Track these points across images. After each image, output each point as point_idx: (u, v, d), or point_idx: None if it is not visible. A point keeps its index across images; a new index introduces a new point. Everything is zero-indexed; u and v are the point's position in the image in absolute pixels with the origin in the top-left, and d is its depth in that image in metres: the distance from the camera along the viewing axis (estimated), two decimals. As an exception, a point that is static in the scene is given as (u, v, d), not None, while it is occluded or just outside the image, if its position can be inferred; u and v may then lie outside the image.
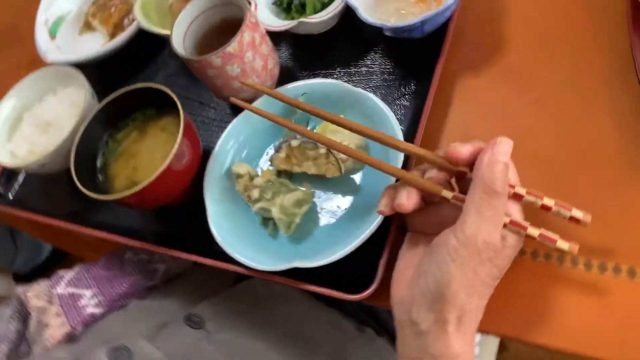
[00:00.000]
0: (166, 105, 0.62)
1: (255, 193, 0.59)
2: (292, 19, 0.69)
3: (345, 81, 0.67)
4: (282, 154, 0.60)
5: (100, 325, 0.70)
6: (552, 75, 0.60)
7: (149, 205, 0.64)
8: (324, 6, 0.69)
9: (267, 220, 0.61)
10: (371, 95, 0.60)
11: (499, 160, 0.44)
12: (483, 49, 0.64)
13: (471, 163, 0.47)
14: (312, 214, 0.60)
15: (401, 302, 0.48)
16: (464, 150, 0.47)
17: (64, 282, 0.75)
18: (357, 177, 0.60)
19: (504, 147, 0.45)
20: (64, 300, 0.73)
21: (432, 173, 0.49)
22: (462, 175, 0.49)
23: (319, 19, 0.66)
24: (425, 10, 0.64)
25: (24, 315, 0.71)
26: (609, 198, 0.52)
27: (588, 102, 0.57)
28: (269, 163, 0.62)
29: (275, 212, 0.57)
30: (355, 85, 0.64)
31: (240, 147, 0.65)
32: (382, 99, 0.63)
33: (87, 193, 0.59)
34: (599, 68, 0.58)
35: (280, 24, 0.68)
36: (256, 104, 0.63)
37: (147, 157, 0.64)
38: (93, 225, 0.72)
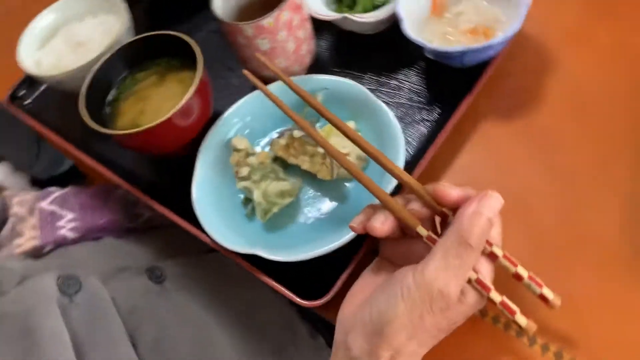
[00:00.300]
0: (191, 59, 0.62)
1: (244, 171, 0.58)
2: (341, 12, 0.68)
3: (372, 89, 0.65)
4: (283, 141, 0.59)
5: (66, 250, 0.71)
6: (577, 148, 0.57)
7: (143, 151, 0.64)
8: (376, 8, 0.67)
9: (248, 201, 0.60)
10: (389, 111, 0.58)
11: (483, 214, 0.42)
12: (516, 98, 0.62)
13: (456, 207, 0.45)
14: (292, 209, 0.59)
15: (344, 323, 0.47)
16: (453, 192, 0.45)
17: (50, 199, 0.76)
18: (348, 186, 0.59)
19: (493, 202, 0.43)
20: (44, 215, 0.74)
21: (415, 206, 0.47)
22: (444, 217, 0.47)
23: (365, 19, 0.64)
24: (471, 42, 0.61)
25: (1, 218, 0.72)
26: (587, 290, 0.50)
27: (605, 190, 0.54)
28: (269, 146, 0.61)
29: (256, 195, 0.56)
30: (378, 96, 0.62)
31: (246, 123, 0.64)
32: (400, 118, 0.62)
33: (86, 119, 0.59)
34: (628, 158, 0.55)
35: (327, 13, 0.66)
36: (271, 86, 0.62)
37: (157, 104, 0.64)
38: (91, 153, 0.72)
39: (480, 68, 0.61)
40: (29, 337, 0.49)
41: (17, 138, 0.88)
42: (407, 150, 0.60)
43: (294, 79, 0.63)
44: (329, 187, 0.59)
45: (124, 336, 0.56)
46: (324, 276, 0.54)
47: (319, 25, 0.67)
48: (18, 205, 0.72)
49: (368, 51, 0.70)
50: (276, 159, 0.61)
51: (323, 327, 0.74)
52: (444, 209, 0.46)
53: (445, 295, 0.41)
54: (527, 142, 0.59)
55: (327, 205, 0.58)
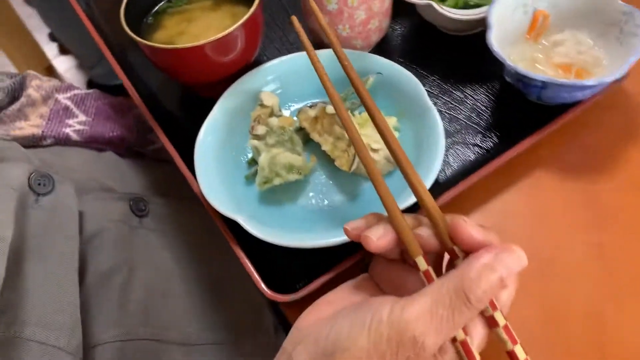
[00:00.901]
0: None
1: (261, 129, 0.51)
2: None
3: (431, 93, 0.58)
4: (312, 113, 0.52)
5: (62, 150, 0.66)
6: (635, 234, 0.48)
7: (169, 74, 0.58)
8: (467, 8, 0.59)
9: (253, 163, 0.53)
10: (440, 121, 0.50)
11: (497, 270, 0.34)
12: (586, 156, 0.53)
13: (470, 250, 0.37)
14: (295, 188, 0.52)
15: (298, 331, 0.40)
16: (472, 232, 0.37)
17: (69, 94, 0.72)
18: (364, 186, 0.51)
19: (513, 260, 0.35)
20: (56, 108, 0.70)
21: (425, 232, 0.39)
22: (453, 256, 0.39)
23: (450, 14, 0.56)
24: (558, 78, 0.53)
25: (14, 94, 0.68)
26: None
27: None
28: (297, 114, 0.54)
29: (262, 159, 0.50)
30: (435, 102, 0.55)
31: (283, 82, 0.58)
32: (449, 134, 0.54)
33: (121, 18, 0.54)
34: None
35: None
36: (322, 52, 0.55)
37: (199, 30, 0.58)
38: (123, 62, 0.67)
39: (558, 109, 0.53)
40: None
41: (85, 37, 0.82)
42: (442, 170, 0.52)
43: (349, 52, 0.56)
44: (343, 179, 0.52)
45: (72, 258, 0.51)
46: (302, 272, 0.48)
47: (400, 6, 0.60)
48: (34, 89, 0.68)
49: (443, 51, 0.62)
50: (300, 130, 0.54)
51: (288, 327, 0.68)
52: (456, 248, 0.38)
53: (419, 346, 0.34)
54: (580, 208, 0.50)
55: (334, 197, 0.51)
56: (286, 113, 0.57)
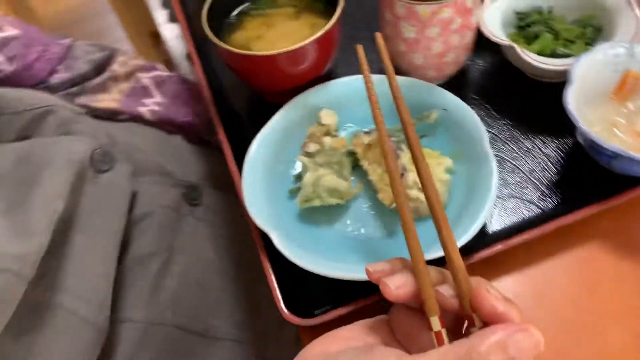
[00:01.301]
0: (333, 9, 0.55)
1: (312, 147, 0.51)
2: (514, 41, 0.57)
3: (494, 137, 0.55)
4: (365, 140, 0.51)
5: (134, 126, 0.69)
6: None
7: (240, 76, 0.59)
8: (554, 56, 0.55)
9: (299, 178, 0.53)
10: (495, 173, 0.47)
11: (508, 350, 0.32)
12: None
13: (489, 321, 0.35)
14: (335, 212, 0.51)
15: (302, 359, 0.39)
16: (495, 304, 0.35)
17: (151, 74, 0.75)
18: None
19: (528, 343, 0.33)
20: (136, 86, 0.73)
21: (447, 291, 0.38)
22: (470, 323, 0.37)
23: (532, 60, 0.53)
24: (636, 148, 0.48)
25: (100, 68, 0.72)
26: None
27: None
28: (352, 137, 0.54)
29: (307, 178, 0.50)
30: (498, 149, 0.53)
31: (348, 102, 0.57)
32: (506, 184, 0.52)
33: (203, 16, 0.55)
34: None
35: (497, 35, 0.56)
36: (376, 77, 0.53)
37: (276, 36, 0.58)
38: (201, 53, 0.69)
39: (629, 180, 0.49)
40: (27, 186, 0.48)
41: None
42: (489, 221, 0.50)
43: (417, 82, 0.55)
44: (384, 212, 0.51)
45: (117, 236, 0.53)
46: (324, 298, 0.47)
47: (485, 43, 0.57)
48: (119, 65, 0.72)
49: (521, 95, 0.58)
50: (351, 154, 0.53)
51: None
52: (474, 315, 0.36)
53: None
54: (634, 293, 0.46)
55: (372, 228, 0.50)
56: (343, 133, 0.56)
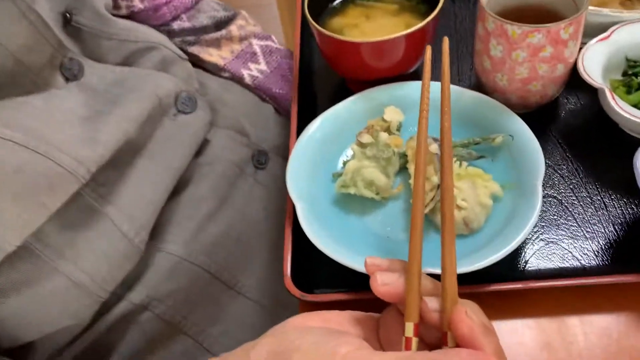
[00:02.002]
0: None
1: (366, 138, 0.52)
2: (612, 86, 0.53)
3: (563, 181, 0.52)
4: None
5: (232, 84, 0.74)
6: None
7: (328, 60, 0.61)
8: (650, 111, 0.51)
9: (345, 164, 0.54)
10: (539, 206, 0.45)
11: None
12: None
13: (460, 344, 0.35)
14: (369, 206, 0.52)
15: (282, 326, 0.41)
16: (470, 328, 0.34)
17: (263, 42, 0.79)
18: (431, 235, 0.49)
19: None
20: (247, 50, 0.78)
21: (431, 304, 0.37)
22: (444, 340, 0.36)
23: (617, 107, 0.49)
24: None
25: (220, 25, 0.77)
26: None
27: None
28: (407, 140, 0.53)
29: (350, 165, 0.51)
30: (559, 189, 0.50)
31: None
32: (553, 223, 0.49)
33: (304, 2, 0.58)
34: None
35: (590, 76, 0.52)
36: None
37: (371, 29, 0.60)
38: (305, 29, 0.72)
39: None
40: (112, 104, 0.54)
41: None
42: (517, 258, 0.48)
43: (490, 100, 0.54)
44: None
45: (177, 172, 0.58)
46: (328, 281, 0.49)
47: (582, 83, 0.54)
48: (237, 28, 0.77)
49: (603, 146, 0.55)
50: (403, 157, 0.53)
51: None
52: (449, 334, 0.35)
53: None
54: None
55: (399, 232, 0.50)
56: (405, 136, 0.56)
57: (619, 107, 0.49)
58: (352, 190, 0.50)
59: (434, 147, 0.49)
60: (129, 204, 0.54)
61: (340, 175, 0.53)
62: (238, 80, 0.76)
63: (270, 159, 0.70)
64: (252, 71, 0.77)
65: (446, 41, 0.47)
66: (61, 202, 0.48)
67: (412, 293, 0.37)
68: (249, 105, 0.75)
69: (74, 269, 0.50)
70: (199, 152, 0.63)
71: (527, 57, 0.50)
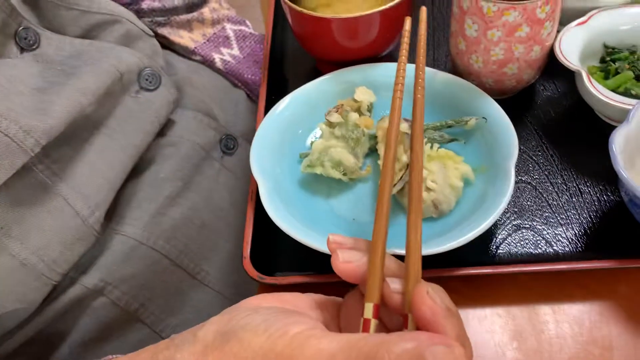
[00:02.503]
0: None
1: (335, 117, 0.50)
2: (589, 72, 0.51)
3: (537, 166, 0.50)
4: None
5: (203, 68, 0.71)
6: None
7: (299, 39, 0.59)
8: (630, 96, 0.49)
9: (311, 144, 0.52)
10: (510, 191, 0.43)
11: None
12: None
13: (420, 327, 0.32)
14: (335, 186, 0.49)
15: (235, 307, 0.38)
16: (432, 308, 0.32)
17: (237, 27, 0.77)
18: (399, 219, 0.47)
19: (445, 357, 0.29)
20: (219, 34, 0.75)
21: (394, 285, 0.34)
22: (404, 324, 0.34)
23: (592, 89, 0.48)
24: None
25: (192, 7, 0.75)
26: None
27: None
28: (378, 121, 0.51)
29: (317, 144, 0.48)
30: (532, 176, 0.48)
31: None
32: (525, 209, 0.47)
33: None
34: None
35: (571, 58, 0.51)
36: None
37: (343, 8, 0.58)
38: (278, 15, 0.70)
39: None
40: (67, 76, 0.51)
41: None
42: (490, 243, 0.46)
43: (465, 83, 0.52)
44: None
45: (136, 151, 0.55)
46: (291, 264, 0.46)
47: (559, 69, 0.53)
48: (210, 11, 0.75)
49: (580, 133, 0.53)
50: (373, 139, 0.51)
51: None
52: (410, 316, 0.33)
53: None
54: None
55: (365, 214, 0.48)
56: (376, 118, 0.54)
57: (596, 90, 0.48)
58: (318, 171, 0.48)
59: (405, 126, 0.47)
60: (84, 181, 0.51)
61: (307, 155, 0.51)
62: (209, 64, 0.73)
63: (240, 145, 0.68)
64: (224, 55, 0.74)
65: (424, 10, 0.45)
66: (6, 176, 0.45)
67: (374, 273, 0.34)
68: (219, 89, 0.72)
69: (21, 248, 0.47)
70: (162, 133, 0.60)
71: (503, 36, 0.49)
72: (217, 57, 0.73)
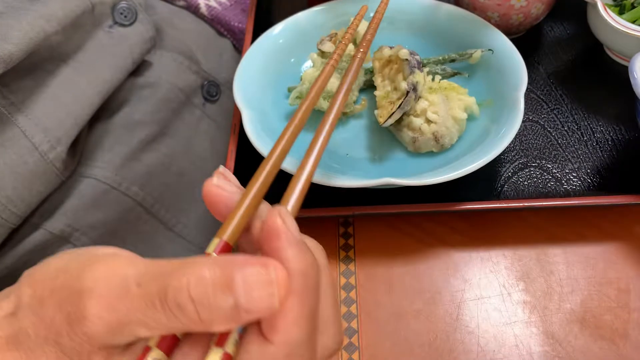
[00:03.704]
0: None
1: (328, 46, 0.45)
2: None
3: (547, 106, 0.47)
4: (387, 53, 0.44)
5: (187, 14, 0.67)
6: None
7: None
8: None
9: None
10: (519, 121, 0.39)
11: (231, 292, 0.21)
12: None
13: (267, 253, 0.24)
14: (344, 132, 0.45)
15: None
16: (277, 232, 0.23)
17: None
18: (395, 153, 0.43)
19: (257, 278, 0.21)
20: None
21: (257, 224, 0.26)
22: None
23: (610, 20, 0.44)
24: None
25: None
26: None
27: None
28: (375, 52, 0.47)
29: (307, 73, 0.44)
30: (540, 115, 0.44)
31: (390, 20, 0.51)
32: (534, 147, 0.43)
33: None
34: None
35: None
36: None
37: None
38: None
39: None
40: (31, 2, 0.46)
41: None
42: (498, 179, 0.42)
43: (469, 15, 0.48)
44: (376, 133, 0.44)
45: (105, 86, 0.50)
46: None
47: (570, 5, 0.49)
48: None
49: (589, 72, 0.49)
50: (369, 73, 0.47)
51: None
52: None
53: (81, 305, 0.22)
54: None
55: (359, 150, 0.44)
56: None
57: (613, 19, 0.44)
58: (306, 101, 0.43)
59: (404, 52, 0.42)
60: (45, 114, 0.46)
61: (296, 88, 0.46)
62: (193, 10, 0.68)
63: (223, 93, 0.63)
64: (210, 1, 0.70)
65: None
66: None
67: (239, 207, 0.25)
68: (202, 36, 0.67)
69: None
70: (139, 73, 0.55)
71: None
72: (202, 3, 0.69)
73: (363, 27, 0.48)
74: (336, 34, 0.47)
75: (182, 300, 0.21)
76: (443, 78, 0.46)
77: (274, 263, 0.22)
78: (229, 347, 0.22)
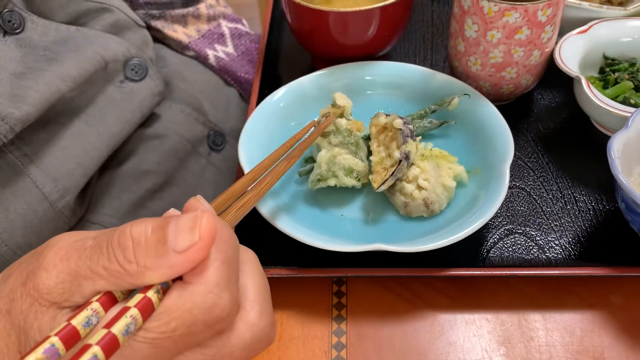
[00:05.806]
0: None
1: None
2: (589, 81, 0.51)
3: (533, 173, 0.49)
4: (383, 120, 0.47)
5: (196, 64, 0.70)
6: None
7: (295, 33, 0.58)
8: (629, 105, 0.48)
9: (310, 160, 0.50)
10: (504, 192, 0.42)
11: (167, 235, 0.26)
12: None
13: None
14: (340, 198, 0.48)
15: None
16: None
17: (233, 25, 0.76)
18: (393, 221, 0.45)
19: (184, 222, 0.26)
20: (215, 31, 0.74)
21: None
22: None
23: (592, 96, 0.47)
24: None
25: (188, 2, 0.74)
26: None
27: None
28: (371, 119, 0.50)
29: (321, 155, 0.46)
30: (526, 182, 0.46)
31: (381, 89, 0.54)
32: (518, 214, 0.46)
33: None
34: None
35: (567, 66, 0.50)
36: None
37: (344, 4, 0.57)
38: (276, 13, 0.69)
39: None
40: (49, 61, 0.49)
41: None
42: (479, 246, 0.44)
43: (458, 82, 0.51)
44: (374, 201, 0.47)
45: (113, 139, 0.53)
46: (276, 256, 0.44)
47: (558, 77, 0.52)
48: (206, 7, 0.74)
49: (577, 142, 0.52)
50: (367, 139, 0.50)
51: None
52: None
53: (40, 260, 0.27)
54: None
55: (352, 212, 0.46)
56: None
57: (595, 96, 0.47)
58: (332, 182, 0.45)
59: (398, 122, 0.45)
60: (55, 165, 0.49)
61: (307, 172, 0.49)
62: (202, 60, 0.72)
63: (228, 143, 0.66)
64: (218, 52, 0.73)
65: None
66: None
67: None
68: (210, 86, 0.71)
69: None
70: (148, 124, 0.58)
71: (503, 38, 0.48)
72: (210, 54, 0.72)
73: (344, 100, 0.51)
74: (329, 113, 0.49)
75: (123, 239, 0.25)
76: (432, 130, 0.49)
77: (204, 210, 0.27)
78: (150, 293, 0.26)
